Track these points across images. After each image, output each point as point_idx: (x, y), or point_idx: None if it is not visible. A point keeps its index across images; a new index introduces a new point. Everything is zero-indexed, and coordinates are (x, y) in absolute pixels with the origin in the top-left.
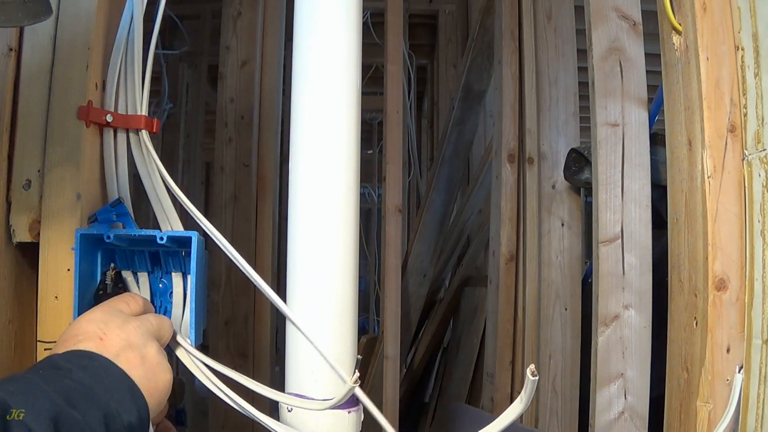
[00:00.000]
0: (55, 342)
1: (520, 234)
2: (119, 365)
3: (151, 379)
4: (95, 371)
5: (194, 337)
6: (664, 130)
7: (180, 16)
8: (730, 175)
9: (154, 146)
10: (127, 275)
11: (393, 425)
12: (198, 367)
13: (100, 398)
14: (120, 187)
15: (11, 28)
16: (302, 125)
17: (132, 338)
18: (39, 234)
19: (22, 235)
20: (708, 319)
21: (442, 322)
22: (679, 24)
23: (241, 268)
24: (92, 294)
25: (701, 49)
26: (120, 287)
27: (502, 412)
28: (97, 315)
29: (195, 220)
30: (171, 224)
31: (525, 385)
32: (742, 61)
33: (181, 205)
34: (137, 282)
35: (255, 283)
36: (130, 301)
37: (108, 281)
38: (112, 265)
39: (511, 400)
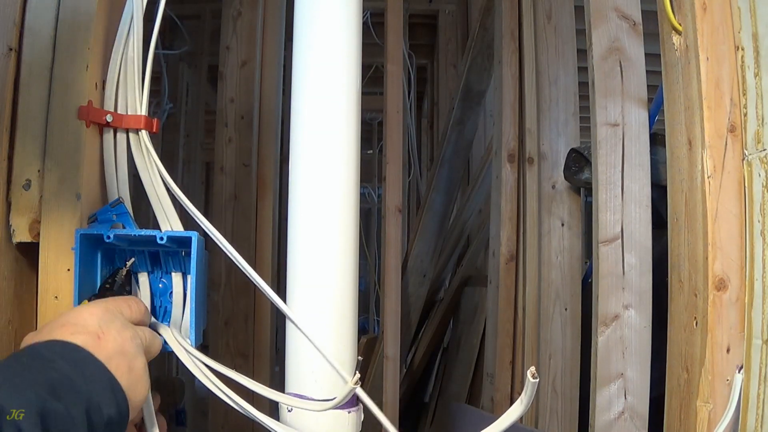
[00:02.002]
0: None
1: (520, 234)
2: (107, 367)
3: (132, 388)
4: (77, 362)
5: (194, 337)
6: (664, 130)
7: (180, 16)
8: (730, 175)
9: (154, 146)
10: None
11: (393, 425)
12: (198, 367)
13: (82, 390)
14: (120, 187)
15: (12, 29)
16: (302, 125)
17: (126, 346)
18: (39, 234)
19: (22, 235)
20: (708, 319)
21: (442, 322)
22: (679, 24)
23: (240, 267)
24: (94, 289)
25: (701, 49)
26: (126, 290)
27: (502, 412)
28: (99, 310)
29: (195, 220)
30: (171, 224)
31: (525, 387)
32: (742, 61)
33: (181, 205)
34: (137, 282)
35: (254, 282)
36: (132, 305)
37: (117, 278)
38: (132, 261)
39: (511, 400)
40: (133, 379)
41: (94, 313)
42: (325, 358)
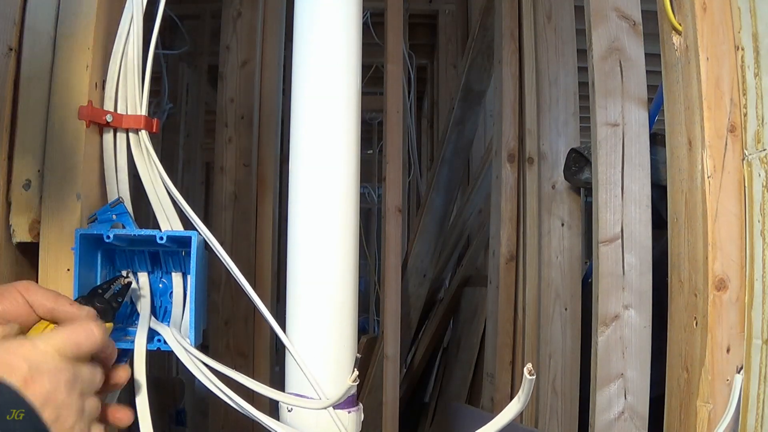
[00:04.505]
0: None
1: (520, 234)
2: (39, 415)
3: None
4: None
5: (194, 336)
6: (664, 130)
7: (180, 16)
8: (730, 175)
9: (154, 146)
10: (128, 275)
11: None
12: (198, 367)
13: None
14: (120, 187)
15: (12, 29)
16: (302, 125)
17: (55, 394)
18: (39, 234)
19: (22, 235)
20: (708, 319)
21: (442, 322)
22: (679, 24)
23: (233, 273)
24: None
25: (701, 49)
26: (119, 301)
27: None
28: (34, 355)
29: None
30: (171, 224)
31: (522, 385)
32: (742, 61)
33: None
34: (137, 282)
35: (246, 292)
36: (92, 333)
37: (114, 285)
38: (130, 280)
39: (511, 400)
40: (59, 426)
41: (29, 358)
42: (303, 371)
